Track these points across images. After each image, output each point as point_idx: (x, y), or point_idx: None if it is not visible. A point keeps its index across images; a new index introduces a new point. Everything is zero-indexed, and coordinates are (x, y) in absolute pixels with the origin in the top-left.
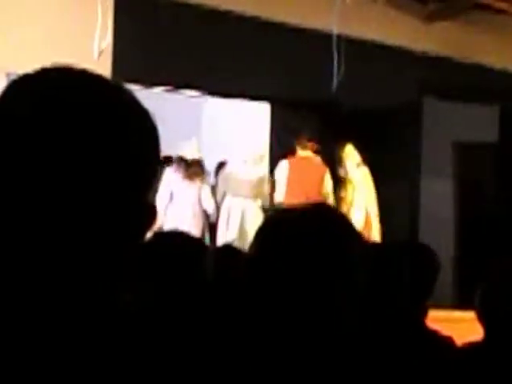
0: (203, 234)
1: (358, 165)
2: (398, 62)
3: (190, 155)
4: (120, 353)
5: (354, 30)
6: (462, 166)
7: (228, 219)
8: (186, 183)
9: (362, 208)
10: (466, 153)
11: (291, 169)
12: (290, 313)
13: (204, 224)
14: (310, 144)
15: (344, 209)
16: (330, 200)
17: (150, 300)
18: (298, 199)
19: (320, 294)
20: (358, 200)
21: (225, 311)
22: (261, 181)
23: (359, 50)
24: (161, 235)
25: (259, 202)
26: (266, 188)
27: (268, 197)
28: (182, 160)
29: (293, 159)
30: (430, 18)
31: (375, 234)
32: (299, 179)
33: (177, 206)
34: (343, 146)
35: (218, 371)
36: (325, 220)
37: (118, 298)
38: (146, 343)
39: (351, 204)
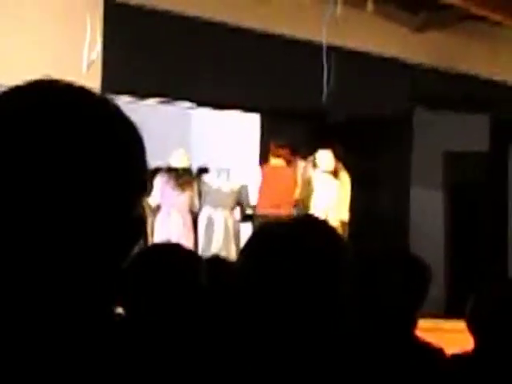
0: (195, 243)
1: (328, 171)
2: (388, 72)
3: (179, 164)
4: (114, 362)
5: (344, 40)
6: (452, 176)
7: (210, 230)
8: (177, 193)
9: (320, 212)
10: (456, 162)
11: (263, 177)
12: (279, 323)
13: (193, 233)
14: (282, 152)
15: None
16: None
17: (145, 312)
18: (269, 208)
19: (307, 304)
20: (316, 204)
21: (218, 323)
22: (240, 191)
23: (349, 61)
24: (154, 248)
25: (238, 212)
26: (246, 198)
27: (249, 206)
28: (171, 170)
29: (265, 168)
30: (421, 28)
31: None
32: (270, 188)
33: (167, 216)
34: (316, 151)
35: (212, 378)
36: (312, 231)
37: (110, 310)
38: (141, 354)
39: (307, 207)
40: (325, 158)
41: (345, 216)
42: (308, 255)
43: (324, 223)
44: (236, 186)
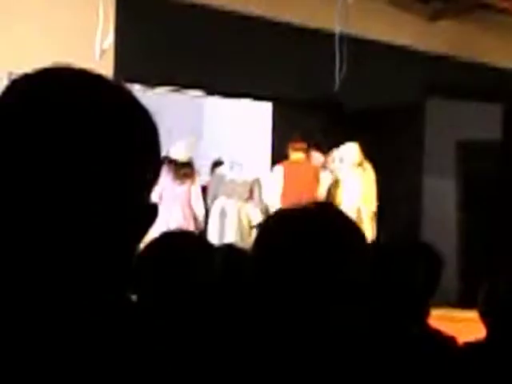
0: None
1: (355, 164)
2: (400, 61)
3: (180, 156)
4: (124, 353)
5: (356, 29)
6: (465, 165)
7: (223, 221)
8: (177, 184)
9: (352, 208)
10: (469, 151)
11: (285, 174)
12: (295, 312)
13: (193, 226)
14: (300, 145)
15: None
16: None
17: (157, 299)
18: (293, 203)
19: (322, 293)
20: (347, 200)
21: (232, 311)
22: (255, 183)
23: (361, 50)
24: (166, 235)
25: (253, 204)
26: (260, 190)
27: (261, 199)
28: (171, 161)
29: (286, 164)
30: (434, 17)
31: (368, 235)
32: (293, 184)
33: (166, 208)
34: (341, 144)
35: (224, 370)
36: (327, 219)
37: (122, 297)
38: (151, 343)
39: (339, 204)
40: (351, 151)
41: (374, 207)
42: (322, 243)
43: (337, 210)
44: (249, 178)
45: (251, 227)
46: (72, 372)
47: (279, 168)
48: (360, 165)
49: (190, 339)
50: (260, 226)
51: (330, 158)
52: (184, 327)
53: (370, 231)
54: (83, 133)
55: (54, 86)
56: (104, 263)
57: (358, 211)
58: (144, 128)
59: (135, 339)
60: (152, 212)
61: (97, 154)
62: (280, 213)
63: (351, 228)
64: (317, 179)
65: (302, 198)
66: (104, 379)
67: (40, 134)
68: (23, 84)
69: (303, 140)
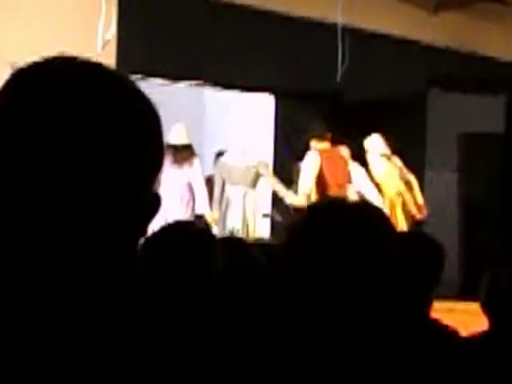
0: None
1: (382, 155)
2: (403, 53)
3: (177, 141)
4: (128, 345)
5: (359, 20)
6: (467, 157)
7: (228, 207)
8: (174, 169)
9: (382, 200)
10: (471, 144)
11: (323, 159)
12: (324, 312)
13: (192, 211)
14: (327, 135)
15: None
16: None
17: (159, 293)
18: (329, 189)
19: (353, 294)
20: (377, 192)
21: (234, 304)
22: (260, 165)
23: (364, 41)
24: (168, 226)
25: (257, 190)
26: (268, 171)
27: (272, 178)
28: (169, 146)
29: (322, 150)
30: (437, 8)
31: (400, 227)
32: (328, 170)
33: (164, 193)
34: (366, 136)
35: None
36: (362, 219)
37: (128, 287)
38: (156, 336)
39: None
40: (377, 141)
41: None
42: (357, 244)
43: (375, 209)
44: (252, 162)
45: (264, 215)
46: (72, 370)
47: (315, 153)
48: (383, 156)
49: (191, 337)
50: (284, 223)
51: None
52: (185, 325)
53: (402, 224)
54: (86, 122)
55: (56, 75)
56: (107, 253)
57: (392, 203)
58: (147, 117)
59: (136, 337)
60: (155, 202)
61: (99, 144)
62: (313, 213)
63: (386, 228)
64: (347, 163)
65: (336, 186)
66: (104, 376)
67: (43, 124)
68: (26, 74)
69: (327, 131)
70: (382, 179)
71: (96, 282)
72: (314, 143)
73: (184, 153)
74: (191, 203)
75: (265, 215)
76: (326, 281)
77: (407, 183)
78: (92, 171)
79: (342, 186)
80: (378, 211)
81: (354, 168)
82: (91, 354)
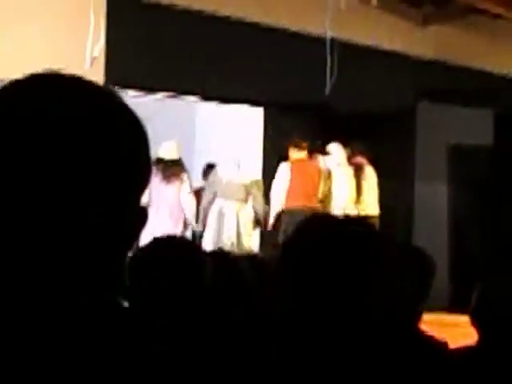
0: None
1: (339, 164)
2: (392, 66)
3: (167, 156)
4: (117, 354)
5: (347, 33)
6: (456, 169)
7: (221, 222)
8: (164, 185)
9: (340, 208)
10: (460, 156)
11: (292, 172)
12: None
13: (182, 226)
14: (302, 144)
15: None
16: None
17: (148, 305)
18: (299, 201)
19: (345, 306)
20: (336, 199)
21: (224, 317)
22: (253, 184)
23: (353, 54)
24: (157, 241)
25: (251, 205)
26: (258, 191)
27: (261, 200)
28: (159, 161)
29: (292, 162)
30: (425, 21)
31: None
32: (299, 181)
33: (154, 209)
34: (327, 143)
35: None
36: (353, 234)
37: (114, 303)
38: (143, 346)
39: (329, 202)
40: (335, 150)
41: (375, 211)
42: (349, 255)
43: (369, 225)
44: (247, 179)
45: (256, 223)
46: (63, 377)
47: (285, 165)
48: (359, 168)
49: (180, 347)
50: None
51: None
52: (173, 335)
53: None
54: (72, 138)
55: (42, 92)
56: (94, 268)
57: (344, 212)
58: (134, 133)
59: (125, 347)
60: (142, 216)
61: (87, 158)
62: (307, 226)
63: (381, 245)
64: (320, 178)
65: (308, 196)
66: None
67: (27, 140)
68: (11, 91)
69: (304, 140)
70: (335, 187)
71: (83, 295)
72: (290, 152)
73: (174, 168)
74: (181, 218)
75: (257, 222)
76: (316, 295)
77: (359, 193)
78: (79, 187)
79: (311, 197)
80: (368, 225)
81: (335, 176)
82: (75, 368)
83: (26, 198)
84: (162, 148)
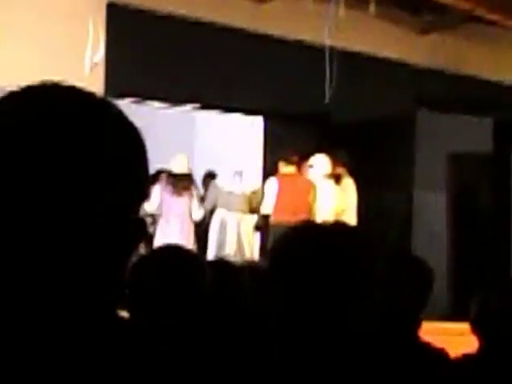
0: (202, 249)
1: (325, 176)
2: (391, 75)
3: (178, 170)
4: (116, 365)
5: (346, 42)
6: (455, 178)
7: (223, 233)
8: (174, 198)
9: (322, 218)
10: (459, 164)
11: (279, 186)
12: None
13: (192, 239)
14: (291, 159)
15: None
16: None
17: (148, 315)
18: (285, 215)
19: (334, 312)
20: (319, 209)
21: (223, 327)
22: (254, 195)
23: (352, 63)
24: (158, 250)
25: (254, 217)
26: (260, 202)
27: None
28: (170, 175)
29: (279, 176)
30: (424, 30)
31: None
32: (287, 196)
33: (166, 223)
34: (313, 155)
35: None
36: (340, 238)
37: (113, 312)
38: (143, 357)
39: (313, 213)
40: (320, 162)
41: (352, 222)
42: (335, 263)
43: (352, 229)
44: (248, 190)
45: (256, 228)
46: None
47: (273, 180)
48: (337, 178)
49: (179, 356)
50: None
51: (304, 167)
52: (172, 344)
53: None
54: (67, 150)
55: (39, 103)
56: (93, 279)
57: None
58: (131, 143)
59: (124, 357)
60: (140, 227)
61: (82, 171)
62: (291, 230)
63: (366, 248)
64: (309, 191)
65: (295, 210)
66: None
67: (26, 151)
68: (8, 102)
69: (295, 154)
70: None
71: (82, 306)
72: (280, 166)
73: (184, 182)
74: (192, 231)
75: (257, 227)
76: (303, 300)
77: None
78: (76, 198)
79: (299, 211)
80: (356, 233)
81: (319, 188)
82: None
83: (24, 210)
84: (173, 161)
